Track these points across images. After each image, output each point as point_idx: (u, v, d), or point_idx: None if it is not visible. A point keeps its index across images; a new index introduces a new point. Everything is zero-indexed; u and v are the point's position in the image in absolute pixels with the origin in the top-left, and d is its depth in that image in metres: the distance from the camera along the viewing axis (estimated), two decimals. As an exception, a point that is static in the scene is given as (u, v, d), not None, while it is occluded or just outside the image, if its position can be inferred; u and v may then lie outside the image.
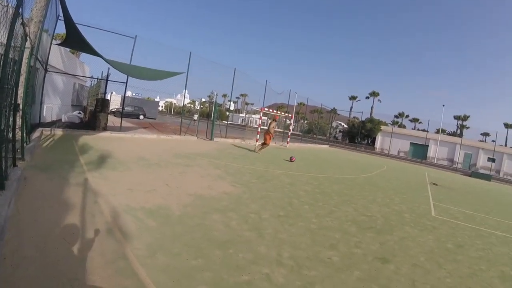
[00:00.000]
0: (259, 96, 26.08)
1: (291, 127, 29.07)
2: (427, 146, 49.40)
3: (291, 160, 14.26)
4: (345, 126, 66.61)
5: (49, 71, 13.26)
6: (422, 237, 5.92)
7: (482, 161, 47.96)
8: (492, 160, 44.99)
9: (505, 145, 58.49)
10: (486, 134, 65.44)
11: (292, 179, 9.64)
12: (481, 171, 43.08)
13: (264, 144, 15.79)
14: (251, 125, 52.75)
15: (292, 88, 48.81)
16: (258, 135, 21.10)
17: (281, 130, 30.59)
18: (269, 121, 16.39)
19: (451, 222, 7.84)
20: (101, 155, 8.50)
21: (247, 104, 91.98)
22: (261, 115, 22.41)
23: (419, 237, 5.88)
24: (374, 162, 24.96)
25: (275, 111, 26.40)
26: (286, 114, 27.27)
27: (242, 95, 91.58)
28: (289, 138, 26.46)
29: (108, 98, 17.95)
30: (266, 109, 24.20)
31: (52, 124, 13.17)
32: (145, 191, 5.70)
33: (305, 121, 64.37)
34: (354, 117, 65.16)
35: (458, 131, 65.87)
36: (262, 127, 21.72)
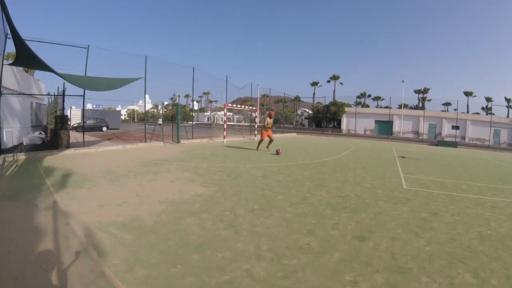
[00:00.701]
0: (221, 93, 25.88)
1: (257, 120, 29.12)
2: (392, 122, 51.00)
3: (277, 153, 14.15)
4: (310, 112, 67.60)
5: (3, 94, 12.66)
6: (396, 210, 6.04)
7: (446, 130, 50.23)
8: (456, 127, 47.35)
9: (467, 112, 61.02)
10: (447, 104, 67.95)
11: (263, 171, 9.64)
12: (447, 139, 45.11)
13: (261, 141, 15.64)
14: (217, 122, 52.45)
15: (254, 81, 48.72)
16: (225, 132, 21.06)
17: (248, 124, 30.48)
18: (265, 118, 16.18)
19: (423, 191, 8.05)
20: (67, 174, 8.21)
21: (211, 102, 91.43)
22: (225, 112, 22.36)
23: (393, 211, 6.00)
24: (342, 144, 25.39)
25: (239, 105, 26.42)
26: (251, 108, 27.31)
27: (205, 93, 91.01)
28: (256, 131, 26.39)
29: (68, 113, 17.32)
30: (230, 104, 24.16)
31: (14, 149, 12.55)
32: (116, 205, 5.52)
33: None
34: (318, 103, 66.31)
35: (420, 104, 67.91)
36: (228, 123, 21.68)
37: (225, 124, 21.40)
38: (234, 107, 25.81)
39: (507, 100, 68.17)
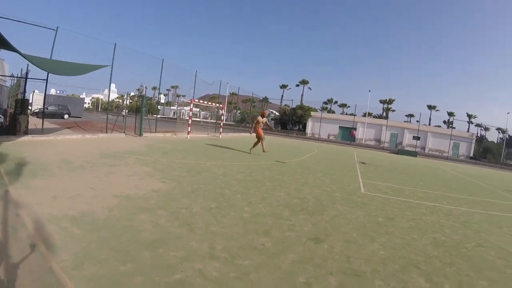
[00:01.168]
0: (189, 88, 25.52)
1: (223, 118, 29.01)
2: (355, 128, 52.08)
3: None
4: (277, 113, 68.16)
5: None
6: (353, 214, 6.16)
7: (407, 139, 52.78)
8: (417, 138, 50.35)
9: (429, 125, 64.85)
10: (411, 116, 71.04)
11: (224, 169, 9.56)
12: (408, 148, 46.98)
13: (260, 140, 14.88)
14: (183, 117, 51.81)
15: (224, 79, 48.54)
16: (190, 128, 20.81)
17: (214, 121, 30.31)
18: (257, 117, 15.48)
19: (380, 197, 8.27)
20: (22, 162, 7.79)
21: (178, 96, 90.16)
22: (192, 107, 22.14)
23: (350, 214, 6.12)
24: (305, 147, 25.75)
25: (206, 102, 26.23)
26: (218, 105, 27.18)
27: (173, 87, 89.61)
28: (221, 129, 26.29)
29: (29, 98, 16.46)
30: (197, 100, 23.95)
31: (-28, 134, 11.85)
32: (69, 197, 5.26)
33: (238, 111, 64.88)
34: (285, 105, 66.83)
35: (384, 114, 70.01)
36: (194, 119, 21.44)
37: (190, 120, 21.15)
38: (201, 103, 25.55)
39: (469, 115, 72.92)
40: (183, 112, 64.81)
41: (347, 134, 50.00)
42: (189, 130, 20.97)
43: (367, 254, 4.22)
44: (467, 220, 7.48)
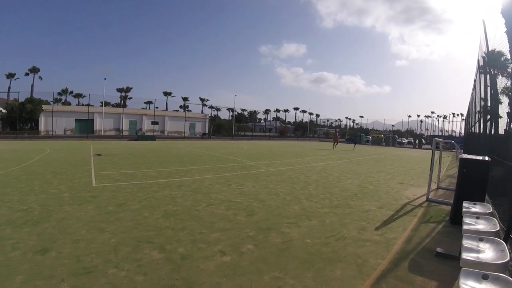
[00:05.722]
0: None
1: None
2: (92, 120, 50.15)
3: None
4: (4, 111, 56.89)
5: None
6: (81, 211, 6.06)
7: (147, 125, 54.98)
8: (155, 123, 52.75)
9: (166, 109, 70.98)
10: (149, 102, 73.11)
11: None
12: (148, 134, 48.34)
13: None
14: None
15: None
16: None
17: None
18: None
19: (112, 186, 8.28)
20: None
21: None
22: None
23: (78, 212, 5.98)
24: (36, 148, 22.53)
25: None
26: None
27: None
28: None
29: None
30: None
31: None
32: None
33: None
34: (14, 99, 56.57)
35: (122, 102, 69.62)
36: None
37: None
38: None
39: (202, 99, 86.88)
40: None
41: (85, 127, 47.34)
42: None
43: (97, 247, 4.29)
44: (198, 186, 8.35)
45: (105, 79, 58.19)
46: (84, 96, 70.29)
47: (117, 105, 67.95)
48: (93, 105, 51.53)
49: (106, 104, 59.40)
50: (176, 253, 4.12)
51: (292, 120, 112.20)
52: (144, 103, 73.36)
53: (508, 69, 6.55)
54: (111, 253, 4.07)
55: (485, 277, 2.45)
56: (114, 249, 4.18)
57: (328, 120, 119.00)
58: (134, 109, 57.38)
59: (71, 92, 72.33)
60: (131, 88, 72.35)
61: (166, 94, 79.33)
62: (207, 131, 60.33)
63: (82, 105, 63.25)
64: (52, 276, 3.47)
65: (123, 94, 71.55)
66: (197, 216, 5.81)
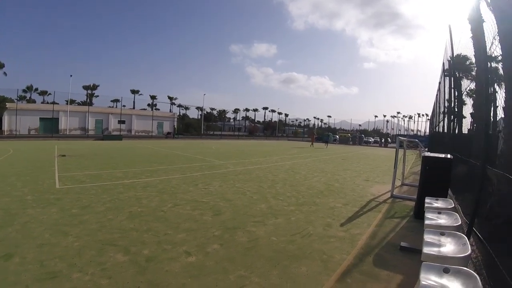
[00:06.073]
0: None
1: None
2: (57, 119, 48.34)
3: None
4: None
5: None
6: (45, 214, 5.87)
7: (113, 124, 53.54)
8: (122, 122, 51.45)
9: (134, 108, 68.96)
10: (116, 100, 71.06)
11: None
12: (114, 133, 47.24)
13: None
14: None
15: None
16: None
17: None
18: None
19: (76, 187, 8.12)
20: None
21: None
22: None
23: (42, 215, 5.80)
24: (-1, 148, 21.89)
25: None
26: None
27: None
28: None
29: None
30: None
31: None
32: None
33: None
34: None
35: (89, 100, 67.87)
36: None
37: None
38: None
39: (170, 98, 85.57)
40: None
41: (49, 126, 45.79)
42: None
43: (61, 251, 4.18)
44: (164, 186, 8.32)
45: (71, 75, 56.43)
46: (49, 93, 67.62)
47: (83, 103, 65.95)
48: (58, 103, 49.89)
49: (72, 102, 57.50)
50: (141, 255, 4.12)
51: (262, 120, 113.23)
52: (111, 101, 71.13)
53: (472, 72, 6.83)
54: (75, 257, 3.99)
55: (446, 271, 2.52)
56: (78, 252, 4.12)
57: (296, 120, 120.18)
58: (100, 108, 55.69)
59: (36, 89, 69.42)
60: (98, 86, 70.61)
61: (134, 92, 78.01)
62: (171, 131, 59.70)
63: (47, 103, 60.88)
64: (16, 283, 3.36)
65: (89, 92, 69.69)
66: (162, 217, 5.80)
